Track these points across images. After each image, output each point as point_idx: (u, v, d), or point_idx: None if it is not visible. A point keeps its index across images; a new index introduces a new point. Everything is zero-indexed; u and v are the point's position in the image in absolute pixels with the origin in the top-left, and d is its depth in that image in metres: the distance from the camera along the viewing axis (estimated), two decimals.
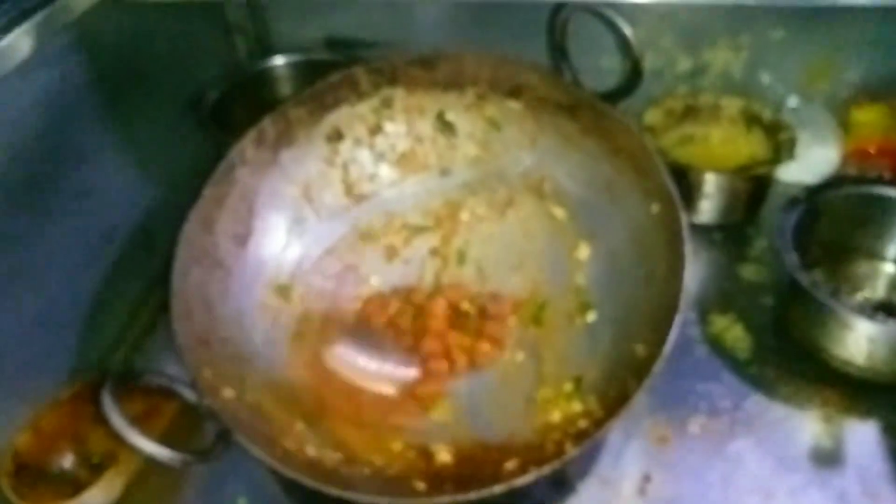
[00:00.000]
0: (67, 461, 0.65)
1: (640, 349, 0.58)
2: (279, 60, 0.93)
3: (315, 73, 0.89)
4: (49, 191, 0.66)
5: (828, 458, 0.63)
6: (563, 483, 0.62)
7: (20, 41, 0.61)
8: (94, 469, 0.64)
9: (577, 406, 0.59)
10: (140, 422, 0.61)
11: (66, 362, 0.69)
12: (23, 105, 0.63)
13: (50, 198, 0.66)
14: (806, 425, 0.65)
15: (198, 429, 0.66)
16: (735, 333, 0.71)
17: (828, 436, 0.64)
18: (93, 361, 0.72)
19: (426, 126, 0.72)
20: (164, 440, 0.63)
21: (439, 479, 0.56)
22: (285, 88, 0.93)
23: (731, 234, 0.80)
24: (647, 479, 0.62)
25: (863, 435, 0.64)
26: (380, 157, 0.72)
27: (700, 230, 0.80)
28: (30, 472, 0.62)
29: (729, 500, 0.61)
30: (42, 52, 0.64)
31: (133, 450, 0.54)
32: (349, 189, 0.72)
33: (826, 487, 0.60)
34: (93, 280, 0.72)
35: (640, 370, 0.55)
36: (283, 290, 0.67)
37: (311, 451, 0.57)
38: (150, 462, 0.55)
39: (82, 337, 0.71)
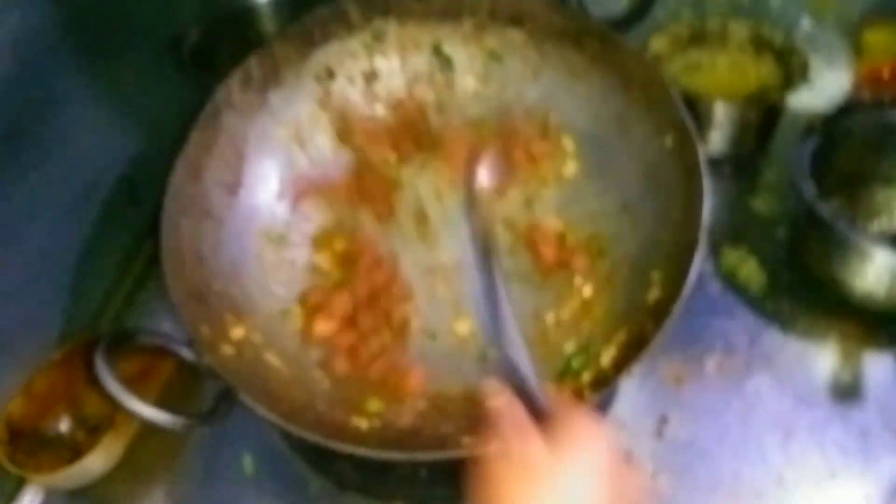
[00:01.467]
0: (63, 425, 0.63)
1: (656, 290, 0.55)
2: None
3: (301, 8, 0.85)
4: (25, 142, 0.63)
5: (847, 393, 0.61)
6: None
7: None
8: (91, 432, 0.62)
9: (594, 352, 0.57)
10: (136, 382, 0.59)
11: (55, 322, 0.67)
12: None
13: (26, 150, 0.63)
14: (824, 360, 0.64)
15: (198, 385, 0.64)
16: (748, 268, 0.69)
17: (847, 370, 0.63)
18: (84, 320, 0.70)
19: (422, 61, 0.68)
20: (162, 400, 0.62)
21: (452, 429, 0.54)
22: (270, 25, 0.87)
23: (742, 165, 0.77)
24: (663, 420, 0.61)
25: (883, 368, 0.62)
26: (374, 97, 0.69)
27: (709, 162, 0.77)
28: (25, 438, 0.60)
29: (748, 439, 0.59)
30: None
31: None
32: (343, 132, 0.68)
33: (847, 422, 0.60)
34: (78, 235, 0.69)
35: (658, 312, 0.53)
36: (279, 240, 0.64)
37: (319, 405, 0.55)
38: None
39: (71, 295, 0.68)
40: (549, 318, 0.62)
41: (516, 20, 0.65)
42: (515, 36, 0.65)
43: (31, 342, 0.64)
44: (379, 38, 0.67)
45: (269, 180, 0.65)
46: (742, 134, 0.76)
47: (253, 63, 0.63)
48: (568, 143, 0.66)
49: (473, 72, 0.68)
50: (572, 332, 0.60)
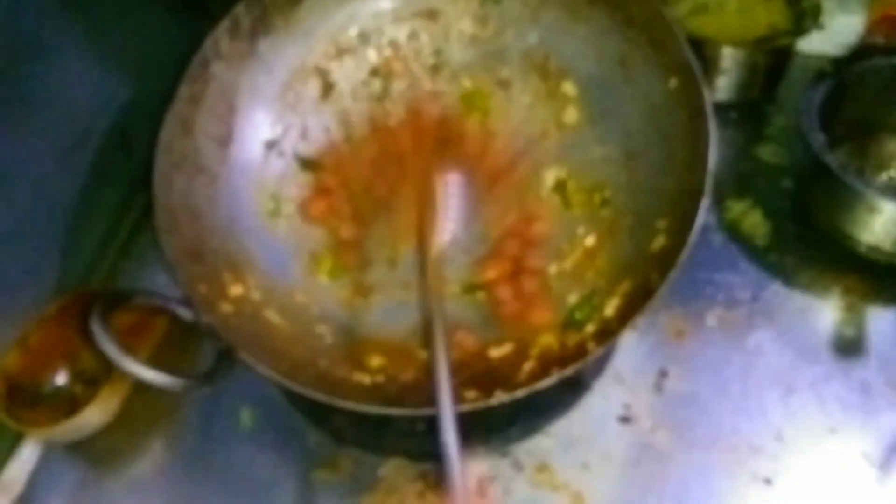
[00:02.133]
0: (60, 378, 0.62)
1: (661, 239, 0.54)
2: None
3: None
4: (10, 92, 0.61)
5: (850, 348, 0.61)
6: (577, 381, 0.61)
7: None
8: (88, 385, 0.61)
9: (597, 303, 0.56)
10: (132, 337, 0.59)
11: (49, 275, 0.66)
12: None
13: (11, 100, 0.61)
14: (827, 314, 0.63)
15: (195, 341, 0.63)
16: (753, 219, 0.68)
17: (850, 324, 0.62)
18: (78, 272, 0.69)
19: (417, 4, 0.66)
20: (158, 354, 0.62)
21: (454, 382, 0.53)
22: None
23: (749, 112, 0.75)
24: (663, 374, 0.61)
25: (887, 323, 0.62)
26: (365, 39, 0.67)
27: (715, 108, 0.75)
28: (22, 392, 0.60)
29: (748, 394, 0.59)
30: None
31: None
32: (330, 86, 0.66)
33: (848, 378, 0.59)
34: (70, 187, 0.68)
35: (662, 262, 0.52)
36: (275, 193, 0.63)
37: (321, 362, 0.55)
38: None
39: (64, 248, 0.67)
40: (552, 269, 0.61)
41: None
42: None
43: (25, 295, 0.63)
44: None
45: (262, 132, 0.63)
46: (750, 79, 0.74)
47: (241, 10, 0.60)
48: (569, 89, 0.64)
49: (470, 13, 0.66)
50: (575, 283, 0.59)
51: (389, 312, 0.61)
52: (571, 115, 0.65)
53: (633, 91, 0.61)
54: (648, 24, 0.59)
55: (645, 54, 0.59)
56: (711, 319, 0.63)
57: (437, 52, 0.67)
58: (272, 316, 0.57)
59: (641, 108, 0.60)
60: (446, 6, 0.66)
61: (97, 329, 0.49)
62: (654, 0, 0.59)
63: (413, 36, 0.67)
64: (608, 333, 0.53)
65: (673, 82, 0.57)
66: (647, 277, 0.52)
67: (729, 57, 0.72)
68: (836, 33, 0.77)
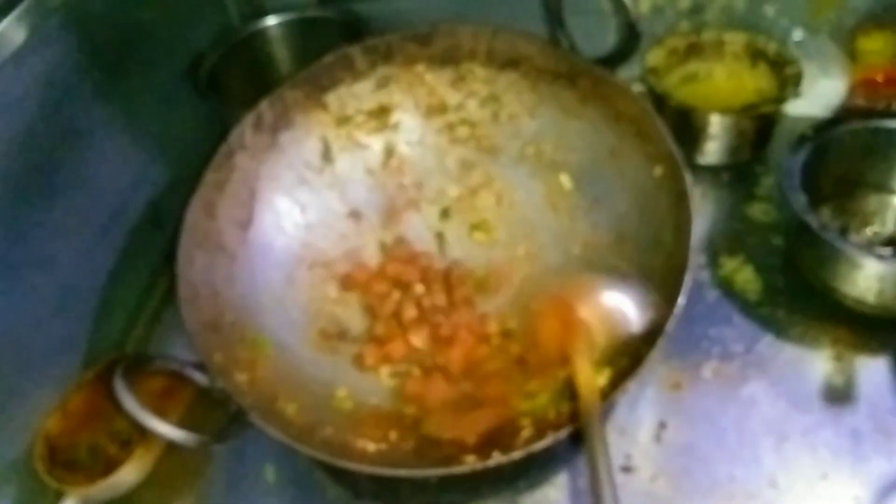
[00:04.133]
0: (97, 440, 0.66)
1: (650, 312, 0.58)
2: (272, 20, 0.91)
3: (310, 32, 0.88)
4: (54, 174, 0.66)
5: (840, 397, 0.63)
6: (579, 436, 0.64)
7: (11, 28, 0.61)
8: (124, 446, 0.65)
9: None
10: (160, 400, 0.63)
11: (85, 343, 0.70)
12: (19, 92, 0.62)
13: (55, 181, 0.66)
14: (817, 365, 0.65)
15: (219, 404, 0.67)
16: (745, 275, 0.71)
17: (839, 374, 0.65)
18: (112, 340, 0.73)
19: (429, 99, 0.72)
20: (185, 418, 0.66)
21: (455, 450, 0.57)
22: (281, 49, 0.91)
23: (739, 174, 0.79)
24: (662, 425, 0.64)
25: (874, 372, 0.64)
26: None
27: (707, 171, 0.80)
28: (61, 453, 0.64)
29: (744, 442, 0.62)
30: (34, 36, 0.63)
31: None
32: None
33: (839, 425, 0.61)
34: (105, 259, 0.73)
35: (651, 333, 0.55)
36: (290, 274, 0.68)
37: (327, 430, 0.58)
38: None
39: (99, 316, 0.72)
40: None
41: (512, 63, 0.68)
42: (512, 77, 0.69)
43: (64, 362, 0.68)
44: (384, 83, 0.70)
45: (281, 217, 0.69)
46: (738, 143, 0.79)
47: (265, 106, 0.67)
48: (566, 181, 0.69)
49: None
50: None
51: (394, 385, 0.65)
52: (566, 205, 0.70)
53: (623, 179, 0.66)
54: (635, 119, 0.64)
55: (632, 146, 0.65)
56: (707, 372, 0.66)
57: None
58: (281, 387, 0.61)
59: (630, 194, 0.65)
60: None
61: (119, 387, 0.54)
62: (639, 97, 0.65)
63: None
64: (601, 399, 0.56)
65: (658, 170, 0.62)
66: (637, 348, 0.56)
67: (718, 123, 0.77)
68: (820, 96, 0.81)
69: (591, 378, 0.57)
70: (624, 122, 0.65)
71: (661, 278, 0.59)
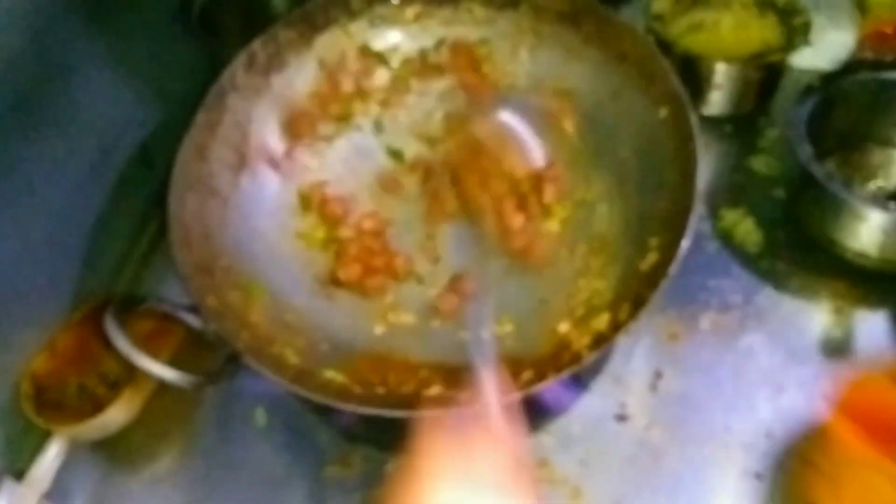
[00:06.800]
0: (85, 381, 0.66)
1: (653, 256, 0.57)
2: None
3: None
4: (40, 110, 0.64)
5: (838, 350, 0.63)
6: (575, 383, 0.63)
7: None
8: (112, 387, 0.65)
9: (589, 321, 0.58)
10: (151, 341, 0.62)
11: (74, 283, 0.69)
12: (1, 23, 0.60)
13: (42, 117, 0.64)
14: (816, 317, 0.65)
15: (211, 346, 0.66)
16: (746, 227, 0.70)
17: (838, 327, 0.64)
18: (101, 281, 0.72)
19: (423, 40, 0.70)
20: (175, 358, 0.65)
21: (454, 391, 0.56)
22: None
23: (743, 126, 0.78)
24: (658, 375, 0.63)
25: (873, 325, 0.64)
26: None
27: (710, 122, 0.78)
28: (49, 393, 0.63)
29: (740, 393, 0.62)
30: None
31: None
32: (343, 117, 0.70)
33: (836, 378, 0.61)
34: (94, 198, 0.71)
35: (653, 276, 0.54)
36: (283, 220, 0.66)
37: (326, 373, 0.57)
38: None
39: (89, 256, 0.70)
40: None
41: (513, 2, 0.66)
42: (512, 17, 0.67)
43: (52, 302, 0.67)
44: (378, 23, 0.68)
45: (273, 160, 0.67)
46: (743, 94, 0.77)
47: (257, 46, 0.65)
48: (568, 125, 0.67)
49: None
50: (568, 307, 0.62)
51: (393, 331, 0.64)
52: (569, 146, 0.68)
53: (627, 122, 0.64)
54: (639, 59, 0.63)
55: (637, 87, 0.63)
56: (705, 323, 0.66)
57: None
58: (278, 332, 0.59)
59: (634, 136, 0.64)
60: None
61: (110, 326, 0.53)
62: (643, 37, 0.63)
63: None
64: (601, 342, 0.55)
65: (663, 112, 0.61)
66: (638, 291, 0.55)
67: (723, 73, 0.75)
68: (827, 49, 0.80)
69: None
70: (628, 64, 0.63)
71: (665, 221, 0.57)
